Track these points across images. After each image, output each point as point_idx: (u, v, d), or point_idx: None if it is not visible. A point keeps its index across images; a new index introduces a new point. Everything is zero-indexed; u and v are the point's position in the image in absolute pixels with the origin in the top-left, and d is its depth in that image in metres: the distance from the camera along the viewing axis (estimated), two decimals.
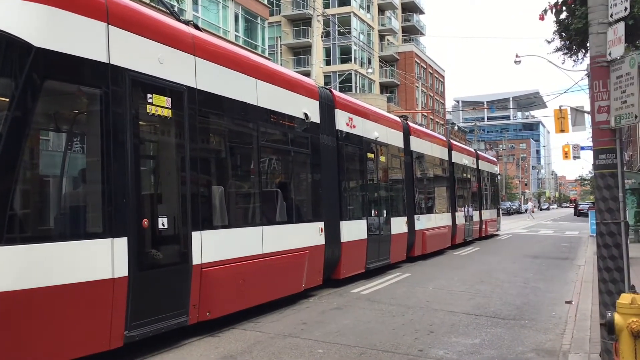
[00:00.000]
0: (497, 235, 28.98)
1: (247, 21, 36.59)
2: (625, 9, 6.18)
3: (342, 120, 12.15)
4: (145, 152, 7.22)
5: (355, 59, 60.40)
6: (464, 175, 23.05)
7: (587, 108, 24.14)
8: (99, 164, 6.09)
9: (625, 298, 5.09)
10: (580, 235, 28.78)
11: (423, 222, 17.01)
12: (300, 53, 60.46)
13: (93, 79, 6.14)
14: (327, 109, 11.53)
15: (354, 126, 12.66)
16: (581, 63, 12.96)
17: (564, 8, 9.09)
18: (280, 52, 45.61)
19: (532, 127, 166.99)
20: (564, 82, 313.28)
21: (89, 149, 6.35)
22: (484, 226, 25.86)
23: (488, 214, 26.96)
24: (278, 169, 10.40)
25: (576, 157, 49.75)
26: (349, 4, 60.33)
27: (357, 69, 59.33)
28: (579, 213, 66.55)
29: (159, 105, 6.87)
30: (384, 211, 14.05)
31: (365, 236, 12.70)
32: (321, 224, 10.84)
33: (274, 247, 9.19)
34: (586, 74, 17.28)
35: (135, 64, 6.57)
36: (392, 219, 14.37)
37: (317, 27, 39.20)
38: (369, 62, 63.59)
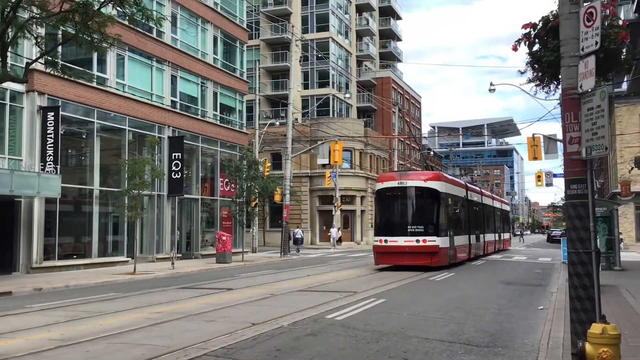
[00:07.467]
0: (473, 260, 29.26)
1: (225, 44, 36.72)
2: (596, 42, 6.33)
3: (468, 194, 29.62)
4: (453, 211, 25.77)
5: (333, 83, 60.89)
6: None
7: (560, 136, 24.63)
8: (460, 218, 27.58)
9: (596, 328, 5.13)
10: (553, 262, 29.10)
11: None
12: (279, 76, 60.78)
13: (459, 201, 27.33)
14: (466, 191, 29.17)
15: (471, 196, 30.46)
16: (553, 94, 13.16)
17: (536, 40, 9.25)
18: (259, 75, 45.69)
19: (506, 154, 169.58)
20: (537, 110, 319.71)
21: (459, 211, 27.62)
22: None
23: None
24: (466, 217, 28.79)
25: (549, 184, 50.59)
26: (328, 30, 61.00)
27: (335, 93, 59.78)
28: (552, 239, 67.52)
29: (454, 204, 25.80)
30: (477, 230, 31.44)
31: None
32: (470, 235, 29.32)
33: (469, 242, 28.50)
34: (559, 104, 17.63)
35: (459, 194, 27.54)
36: (480, 235, 32.36)
37: (296, 52, 39.49)
38: (347, 86, 64.17)
